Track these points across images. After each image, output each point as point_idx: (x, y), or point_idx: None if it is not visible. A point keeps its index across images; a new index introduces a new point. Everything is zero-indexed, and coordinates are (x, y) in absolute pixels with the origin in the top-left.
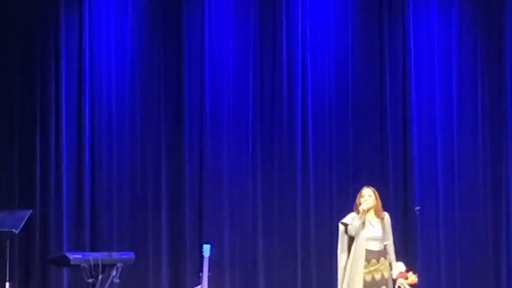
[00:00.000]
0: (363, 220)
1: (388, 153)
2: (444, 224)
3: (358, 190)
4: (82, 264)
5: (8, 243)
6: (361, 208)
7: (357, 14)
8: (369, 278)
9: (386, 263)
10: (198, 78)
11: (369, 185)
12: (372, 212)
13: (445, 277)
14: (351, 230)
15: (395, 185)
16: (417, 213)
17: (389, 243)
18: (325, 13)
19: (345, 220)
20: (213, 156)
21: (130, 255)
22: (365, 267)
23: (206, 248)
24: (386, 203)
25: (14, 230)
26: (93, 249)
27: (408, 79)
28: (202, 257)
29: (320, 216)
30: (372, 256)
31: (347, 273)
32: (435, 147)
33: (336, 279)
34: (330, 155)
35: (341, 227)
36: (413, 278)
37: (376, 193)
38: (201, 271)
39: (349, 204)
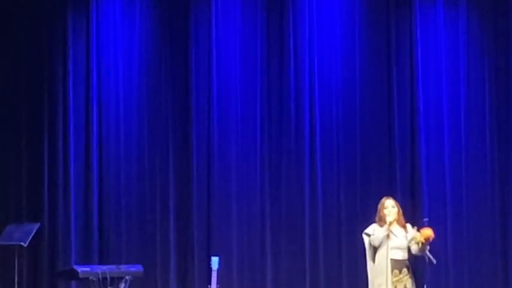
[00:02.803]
0: (388, 232)
1: (396, 165)
2: (452, 235)
3: (365, 202)
4: (90, 277)
5: (16, 256)
6: (388, 220)
7: (363, 22)
8: None
9: (410, 274)
10: (205, 87)
11: (388, 195)
12: (394, 222)
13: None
14: (375, 241)
15: (404, 196)
16: (425, 224)
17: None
18: (332, 22)
19: (367, 230)
20: (220, 168)
21: (139, 268)
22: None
23: (214, 261)
24: None
25: (22, 244)
26: (101, 262)
27: (415, 89)
28: (210, 269)
29: (328, 228)
30: (395, 266)
31: (375, 284)
32: (443, 158)
33: None
34: (338, 166)
35: (366, 238)
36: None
37: (397, 203)
38: (210, 284)
39: (357, 216)
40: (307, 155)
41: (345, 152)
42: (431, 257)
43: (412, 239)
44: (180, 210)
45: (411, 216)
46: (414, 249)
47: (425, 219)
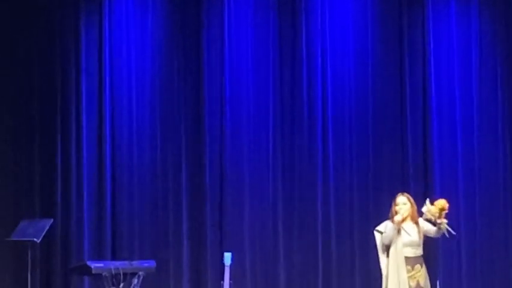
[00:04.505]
0: (397, 230)
1: (408, 161)
2: (466, 231)
3: (378, 197)
4: (103, 273)
5: (29, 252)
6: (395, 219)
7: (375, 20)
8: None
9: (423, 270)
10: (217, 85)
11: (403, 191)
12: (407, 219)
13: (466, 286)
14: (385, 239)
15: (416, 192)
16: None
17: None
18: (344, 19)
19: (379, 228)
20: (233, 164)
21: (152, 264)
22: None
23: (227, 257)
24: None
25: (35, 239)
26: (114, 258)
27: (428, 84)
28: (223, 265)
29: (341, 224)
30: (407, 263)
31: (389, 281)
32: (456, 153)
33: (356, 285)
34: (351, 162)
35: (377, 235)
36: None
37: (411, 199)
38: (222, 279)
39: (370, 211)
40: (319, 152)
41: (358, 148)
42: (450, 230)
43: (427, 212)
44: (192, 206)
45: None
46: (433, 230)
47: None
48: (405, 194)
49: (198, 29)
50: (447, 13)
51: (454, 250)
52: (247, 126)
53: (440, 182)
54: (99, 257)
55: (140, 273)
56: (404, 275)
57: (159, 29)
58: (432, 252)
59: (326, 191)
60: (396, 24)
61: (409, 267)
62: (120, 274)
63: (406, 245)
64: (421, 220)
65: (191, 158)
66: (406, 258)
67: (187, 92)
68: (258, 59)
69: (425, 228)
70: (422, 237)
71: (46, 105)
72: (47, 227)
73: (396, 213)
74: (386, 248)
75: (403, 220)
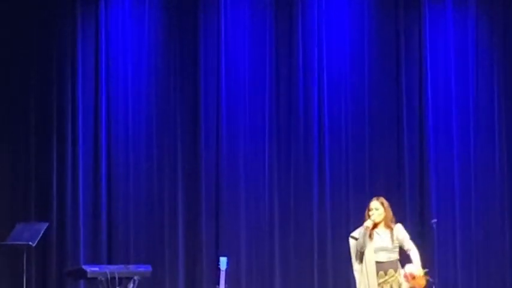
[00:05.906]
0: (367, 235)
1: (404, 165)
2: (461, 237)
3: None
4: (99, 277)
5: (24, 256)
6: (365, 224)
7: (372, 23)
8: None
9: (396, 275)
10: (214, 88)
11: (378, 196)
12: (380, 224)
13: None
14: (358, 245)
15: (412, 197)
16: (433, 226)
17: (411, 252)
18: (341, 23)
19: (354, 234)
20: (229, 168)
21: (147, 268)
22: None
23: (223, 261)
24: (403, 214)
25: (30, 243)
26: (110, 262)
27: (424, 87)
28: (218, 269)
29: (337, 227)
30: (380, 268)
31: (361, 286)
32: (451, 157)
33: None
34: (347, 167)
35: (351, 241)
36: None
37: (385, 204)
38: (218, 284)
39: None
40: (315, 156)
41: (354, 153)
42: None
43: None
44: (188, 211)
45: (419, 215)
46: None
47: (434, 221)
48: (380, 198)
49: (194, 29)
50: (444, 16)
51: (450, 256)
52: (243, 129)
53: (437, 187)
54: (95, 261)
55: (136, 277)
56: (374, 280)
57: (156, 29)
58: (428, 257)
59: (322, 195)
60: (393, 27)
61: (382, 272)
62: (115, 278)
63: (378, 249)
64: (397, 227)
65: (187, 161)
66: (380, 263)
67: (183, 94)
68: (255, 60)
69: (400, 238)
70: (396, 242)
71: (42, 108)
72: (43, 231)
73: (369, 217)
74: (361, 254)
75: (376, 225)
